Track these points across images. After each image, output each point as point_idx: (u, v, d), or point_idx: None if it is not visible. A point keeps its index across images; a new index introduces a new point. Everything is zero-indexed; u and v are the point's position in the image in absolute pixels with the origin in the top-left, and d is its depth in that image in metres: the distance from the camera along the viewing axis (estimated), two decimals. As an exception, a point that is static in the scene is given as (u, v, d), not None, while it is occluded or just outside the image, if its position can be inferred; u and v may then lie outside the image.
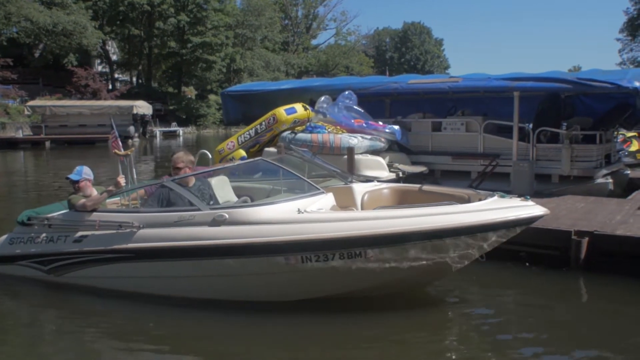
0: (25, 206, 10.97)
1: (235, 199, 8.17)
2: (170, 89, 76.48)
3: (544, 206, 7.42)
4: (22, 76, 57.62)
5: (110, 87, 68.43)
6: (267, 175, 8.91)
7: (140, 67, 79.57)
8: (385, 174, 13.11)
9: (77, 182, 8.44)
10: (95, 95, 57.78)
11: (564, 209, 10.72)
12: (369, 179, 10.08)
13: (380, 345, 6.68)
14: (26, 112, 50.61)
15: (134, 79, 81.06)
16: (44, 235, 8.46)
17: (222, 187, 8.30)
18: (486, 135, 13.76)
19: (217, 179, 8.38)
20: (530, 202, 7.42)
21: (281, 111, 13.91)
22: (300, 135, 13.68)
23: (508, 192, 8.30)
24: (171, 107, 68.73)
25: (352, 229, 6.97)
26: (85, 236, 8.04)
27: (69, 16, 49.12)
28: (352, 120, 13.94)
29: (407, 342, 6.86)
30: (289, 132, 13.94)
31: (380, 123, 14.10)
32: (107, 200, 8.63)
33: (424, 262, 7.15)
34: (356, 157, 12.77)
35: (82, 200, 8.15)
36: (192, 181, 8.08)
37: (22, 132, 48.71)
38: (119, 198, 8.83)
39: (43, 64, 61.96)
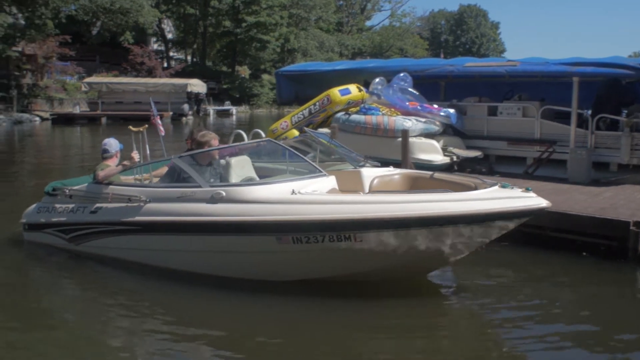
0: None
1: (256, 178, 8.25)
2: (224, 68, 76.85)
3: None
4: (79, 53, 58.52)
5: (165, 65, 69.14)
6: (275, 156, 9.05)
7: (195, 46, 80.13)
8: (440, 157, 12.99)
9: (104, 156, 9.06)
10: (150, 73, 58.41)
11: (622, 199, 10.43)
12: (385, 165, 9.73)
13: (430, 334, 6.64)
14: (83, 89, 51.44)
15: (189, 58, 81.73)
16: (65, 205, 8.96)
17: (243, 167, 8.33)
18: (543, 121, 13.45)
19: (239, 158, 8.40)
20: (531, 194, 7.16)
21: (335, 92, 13.87)
22: (354, 117, 13.62)
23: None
24: (225, 86, 69.15)
25: (339, 212, 7.02)
26: (100, 208, 8.47)
27: (126, -6, 49.78)
28: (407, 103, 13.81)
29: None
30: (343, 113, 13.89)
31: (435, 106, 13.94)
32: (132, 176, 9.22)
33: (413, 249, 7.09)
34: (410, 140, 12.64)
35: (99, 172, 8.63)
36: (207, 159, 8.31)
37: (79, 108, 49.60)
38: (142, 174, 9.16)
39: (100, 41, 62.87)
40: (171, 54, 79.97)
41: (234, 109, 60.97)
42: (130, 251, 8.38)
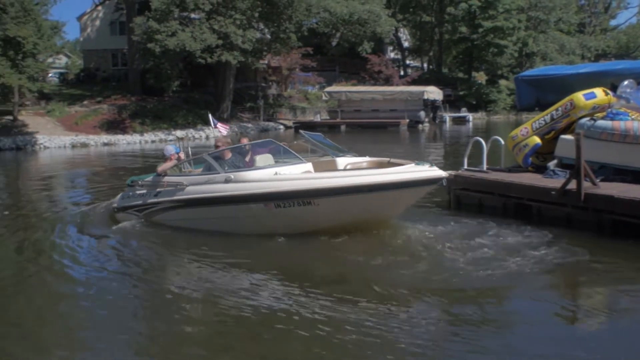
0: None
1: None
2: (461, 75, 76.36)
3: None
4: (320, 64, 61.21)
5: (402, 73, 70.18)
6: (276, 152, 11.87)
7: (431, 53, 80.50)
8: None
9: (165, 155, 12.43)
10: (387, 81, 59.58)
11: None
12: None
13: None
14: (324, 98, 53.64)
15: (425, 65, 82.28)
16: (138, 193, 12.36)
17: (265, 162, 11.44)
18: None
19: (263, 156, 11.62)
20: (434, 168, 10.14)
21: (579, 96, 13.18)
22: (600, 123, 12.85)
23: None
24: (461, 93, 68.67)
25: (300, 185, 10.30)
26: (159, 192, 11.87)
27: (364, 5, 50.90)
28: (660, 107, 12.81)
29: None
30: (588, 118, 13.16)
31: (694, 110, 12.79)
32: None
33: (353, 209, 10.16)
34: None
35: (158, 168, 12.22)
36: (228, 155, 11.67)
37: (319, 117, 51.80)
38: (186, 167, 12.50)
39: (340, 52, 65.32)
40: (407, 61, 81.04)
41: (470, 116, 60.31)
42: (178, 221, 11.68)
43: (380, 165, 11.14)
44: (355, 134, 44.54)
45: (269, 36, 47.33)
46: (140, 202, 12.21)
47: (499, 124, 55.98)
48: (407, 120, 47.17)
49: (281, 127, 51.87)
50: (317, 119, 51.27)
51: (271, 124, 51.95)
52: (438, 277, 8.67)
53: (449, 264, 9.18)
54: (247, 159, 11.78)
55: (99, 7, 58.33)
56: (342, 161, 11.74)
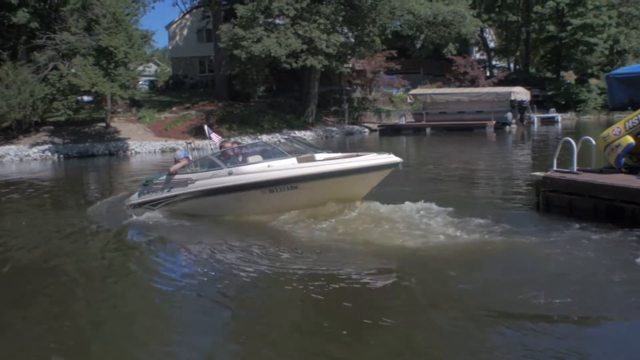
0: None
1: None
2: (549, 74, 74.65)
3: None
4: (404, 66, 61.04)
5: (487, 74, 69.17)
6: (267, 152, 14.09)
7: (517, 53, 79.11)
8: None
9: (176, 159, 14.83)
10: (473, 82, 58.86)
11: None
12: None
13: None
14: (408, 100, 53.33)
15: (511, 65, 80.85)
16: (153, 189, 14.63)
17: (256, 159, 13.68)
18: None
19: (254, 157, 13.84)
20: (391, 155, 12.59)
21: (676, 95, 12.76)
22: (699, 121, 12.41)
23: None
24: (549, 93, 67.06)
25: (286, 174, 12.70)
26: (172, 188, 14.19)
27: (448, 7, 50.42)
28: None
29: None
30: (686, 117, 12.72)
31: None
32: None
33: (330, 191, 12.68)
34: None
35: (170, 168, 14.49)
36: (228, 155, 13.83)
37: (404, 119, 51.60)
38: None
39: (424, 54, 64.89)
40: (494, 62, 79.82)
41: (558, 116, 58.83)
42: (191, 210, 13.87)
43: (351, 157, 13.37)
44: (440, 136, 44.19)
45: (353, 40, 47.48)
46: (156, 197, 14.50)
47: (589, 125, 54.47)
48: (494, 122, 46.36)
49: (366, 130, 51.96)
50: (402, 121, 51.02)
51: (356, 127, 52.10)
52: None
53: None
54: (240, 159, 13.93)
55: (187, 16, 59.79)
56: (319, 156, 13.63)
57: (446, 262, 9.42)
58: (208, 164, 14.15)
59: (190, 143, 17.12)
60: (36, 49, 39.00)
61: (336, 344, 6.81)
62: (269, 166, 13.00)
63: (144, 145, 39.97)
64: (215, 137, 15.96)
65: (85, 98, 44.92)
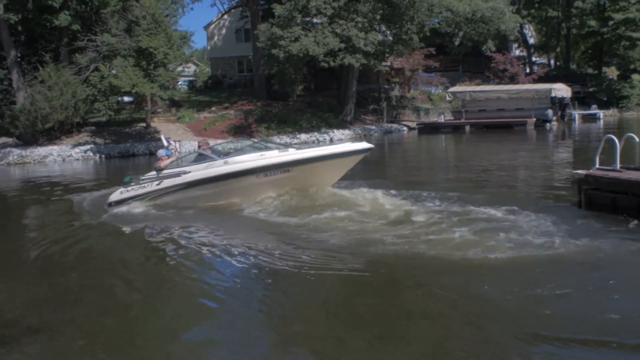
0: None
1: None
2: (590, 70, 73.41)
3: None
4: (443, 64, 60.67)
5: (527, 70, 68.40)
6: (255, 147, 16.03)
7: (558, 49, 78.05)
8: None
9: (159, 157, 16.40)
10: (512, 79, 58.19)
11: None
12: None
13: None
14: (447, 98, 53.02)
15: (552, 62, 79.83)
16: (140, 186, 15.72)
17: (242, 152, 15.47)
18: None
19: (239, 152, 15.46)
20: (364, 142, 14.95)
21: None
22: None
23: None
24: (590, 89, 65.97)
25: (277, 161, 14.40)
26: (161, 181, 15.44)
27: (487, 3, 49.89)
28: None
29: None
30: None
31: None
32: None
33: (316, 174, 14.64)
34: None
35: (156, 165, 15.79)
36: (219, 150, 15.87)
37: (443, 117, 51.27)
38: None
39: (463, 51, 64.36)
40: (534, 58, 78.94)
41: (600, 113, 57.87)
42: (181, 201, 15.11)
43: None
44: (480, 134, 43.77)
45: (390, 38, 47.28)
46: (143, 192, 15.62)
47: (632, 121, 53.45)
48: (534, 119, 45.78)
49: (404, 128, 51.74)
50: (441, 119, 50.70)
51: (394, 125, 51.92)
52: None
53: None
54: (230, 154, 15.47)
55: (225, 16, 60.14)
56: (291, 151, 15.31)
57: (492, 270, 9.22)
58: (199, 159, 15.46)
59: (177, 142, 19.28)
60: (77, 51, 39.74)
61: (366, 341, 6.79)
62: (261, 155, 14.70)
63: (183, 144, 40.03)
64: (172, 143, 17.88)
65: (126, 99, 45.58)
